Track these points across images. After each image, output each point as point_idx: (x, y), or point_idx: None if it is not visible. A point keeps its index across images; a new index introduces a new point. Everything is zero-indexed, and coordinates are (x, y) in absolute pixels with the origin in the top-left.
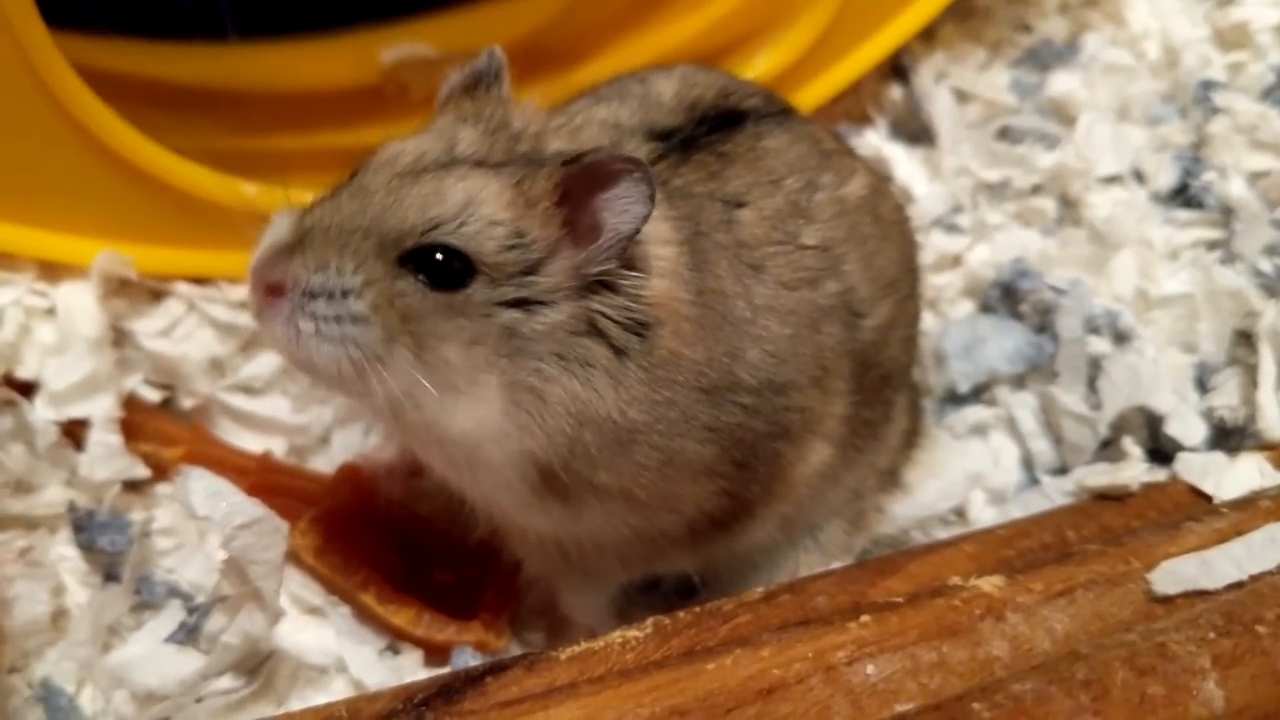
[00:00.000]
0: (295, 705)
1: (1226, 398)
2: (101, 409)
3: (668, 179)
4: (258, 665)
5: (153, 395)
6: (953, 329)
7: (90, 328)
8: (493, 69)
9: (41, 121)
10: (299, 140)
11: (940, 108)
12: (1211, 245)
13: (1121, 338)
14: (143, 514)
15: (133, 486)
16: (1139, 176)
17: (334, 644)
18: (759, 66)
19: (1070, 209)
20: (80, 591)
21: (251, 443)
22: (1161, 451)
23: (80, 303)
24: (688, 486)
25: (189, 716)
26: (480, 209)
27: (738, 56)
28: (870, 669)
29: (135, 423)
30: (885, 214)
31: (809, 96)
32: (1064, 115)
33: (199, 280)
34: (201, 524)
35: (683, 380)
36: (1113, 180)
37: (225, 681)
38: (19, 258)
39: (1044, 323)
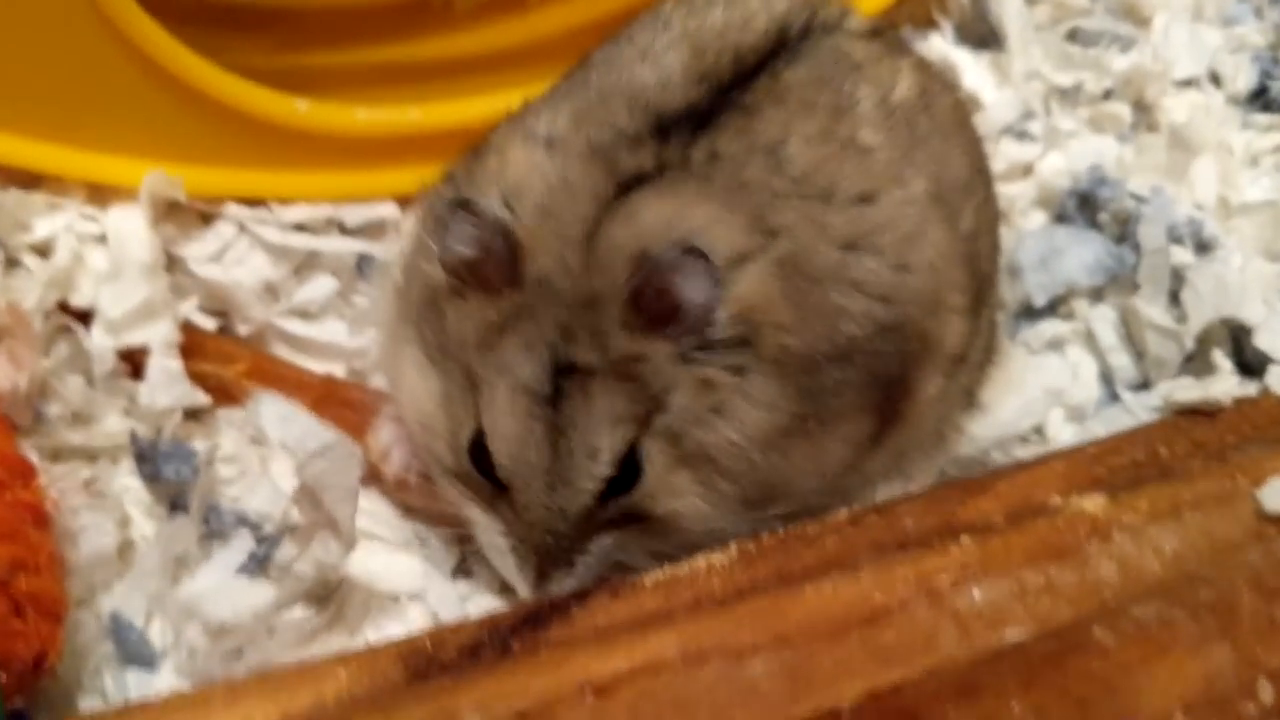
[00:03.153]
0: (370, 635)
1: None
2: (160, 335)
3: (693, 155)
4: (329, 594)
5: (208, 323)
6: (1028, 240)
7: (143, 252)
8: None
9: (86, 36)
10: (342, 55)
11: (1009, 9)
12: None
13: (1204, 247)
14: (205, 442)
15: (194, 415)
16: (1216, 79)
17: (407, 570)
18: None
19: (1145, 114)
20: (146, 523)
21: (310, 367)
22: (1248, 364)
23: (131, 227)
24: (840, 435)
25: (262, 648)
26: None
27: None
28: (976, 593)
29: (193, 344)
30: (940, 113)
31: (870, 1)
32: (1137, 16)
33: (250, 202)
34: (265, 451)
35: (802, 363)
36: (1189, 83)
37: (298, 611)
38: (67, 181)
39: (1124, 233)
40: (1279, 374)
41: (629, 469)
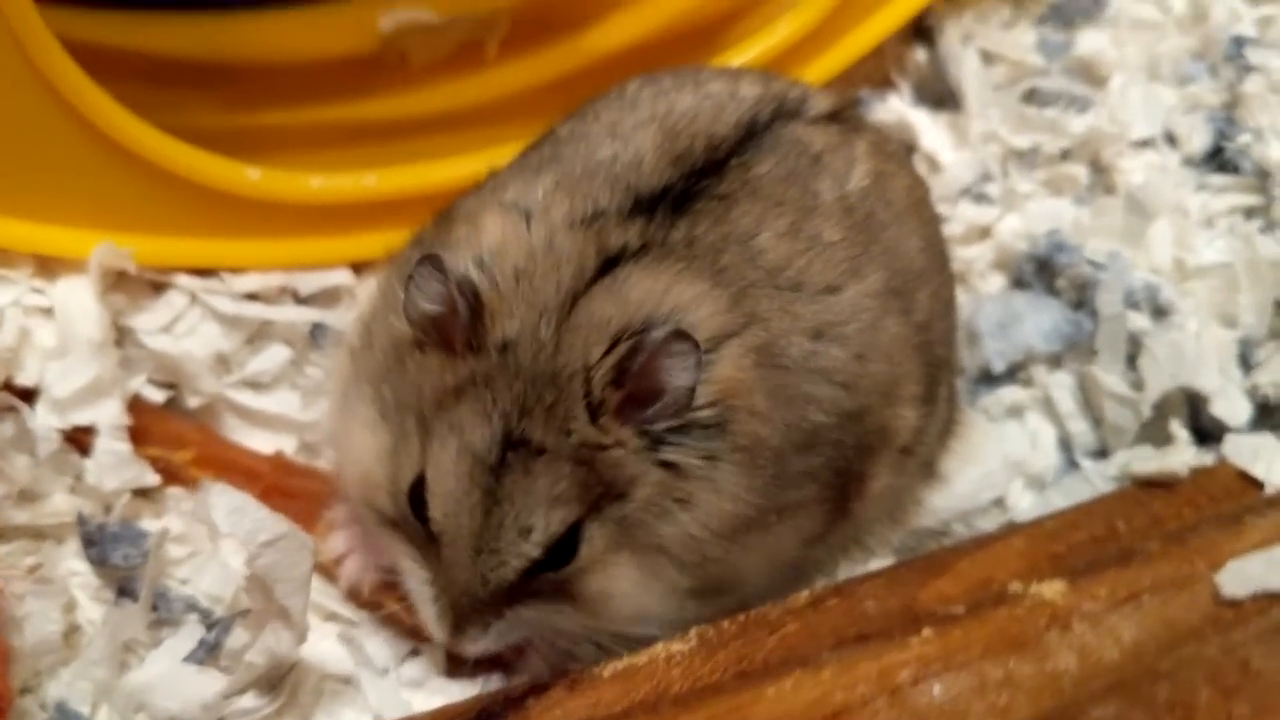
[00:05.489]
0: None
1: (1271, 374)
2: (107, 415)
3: (672, 236)
4: (280, 680)
5: (157, 395)
6: (987, 305)
7: (91, 329)
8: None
9: (30, 106)
10: (294, 115)
11: (966, 70)
12: (1249, 212)
13: (1161, 312)
14: (155, 521)
15: (143, 493)
16: (1171, 140)
17: (358, 654)
18: (779, 32)
19: (1102, 175)
20: (93, 607)
21: (261, 440)
22: (1205, 431)
23: (79, 301)
24: (794, 528)
25: None
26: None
27: (755, 20)
28: (936, 689)
29: (141, 426)
30: (895, 197)
31: (829, 62)
32: (1093, 76)
33: (201, 271)
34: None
35: (771, 452)
36: (1145, 144)
37: (248, 700)
38: (14, 253)
39: (1081, 298)
40: (1234, 443)
41: (565, 546)
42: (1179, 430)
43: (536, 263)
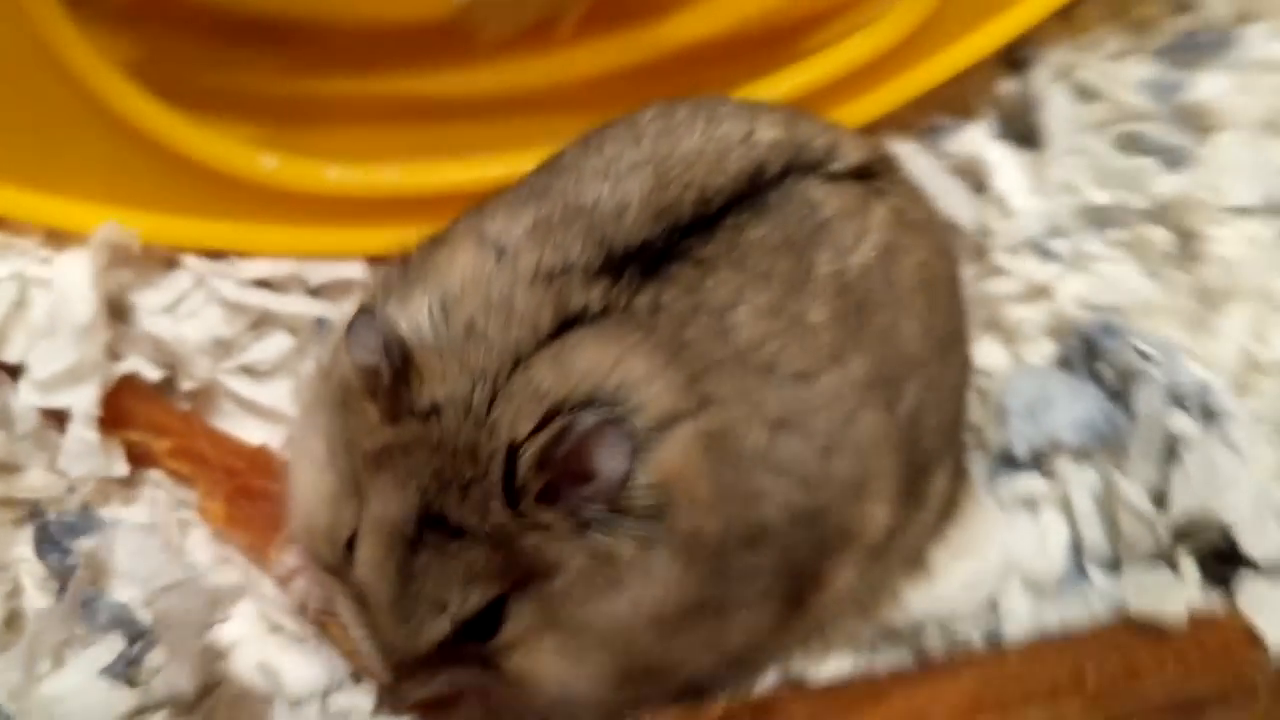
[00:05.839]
0: None
1: None
2: (83, 401)
3: (636, 301)
4: (198, 701)
5: (153, 374)
6: (1019, 381)
7: (82, 310)
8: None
9: (41, 80)
10: (357, 84)
11: (1054, 107)
12: None
13: (1210, 415)
14: (124, 508)
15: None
16: (1277, 210)
17: (290, 676)
18: (859, 46)
19: (1186, 242)
20: (39, 598)
21: (253, 429)
22: (1225, 555)
23: (76, 278)
24: (740, 622)
25: None
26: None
27: (838, 28)
28: None
29: (128, 408)
30: (901, 277)
31: (908, 85)
32: (1201, 125)
33: (210, 253)
34: (187, 515)
35: (713, 544)
36: (1243, 212)
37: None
38: (22, 224)
39: (1123, 389)
40: (1250, 589)
41: (488, 619)
42: (1188, 564)
43: (490, 317)
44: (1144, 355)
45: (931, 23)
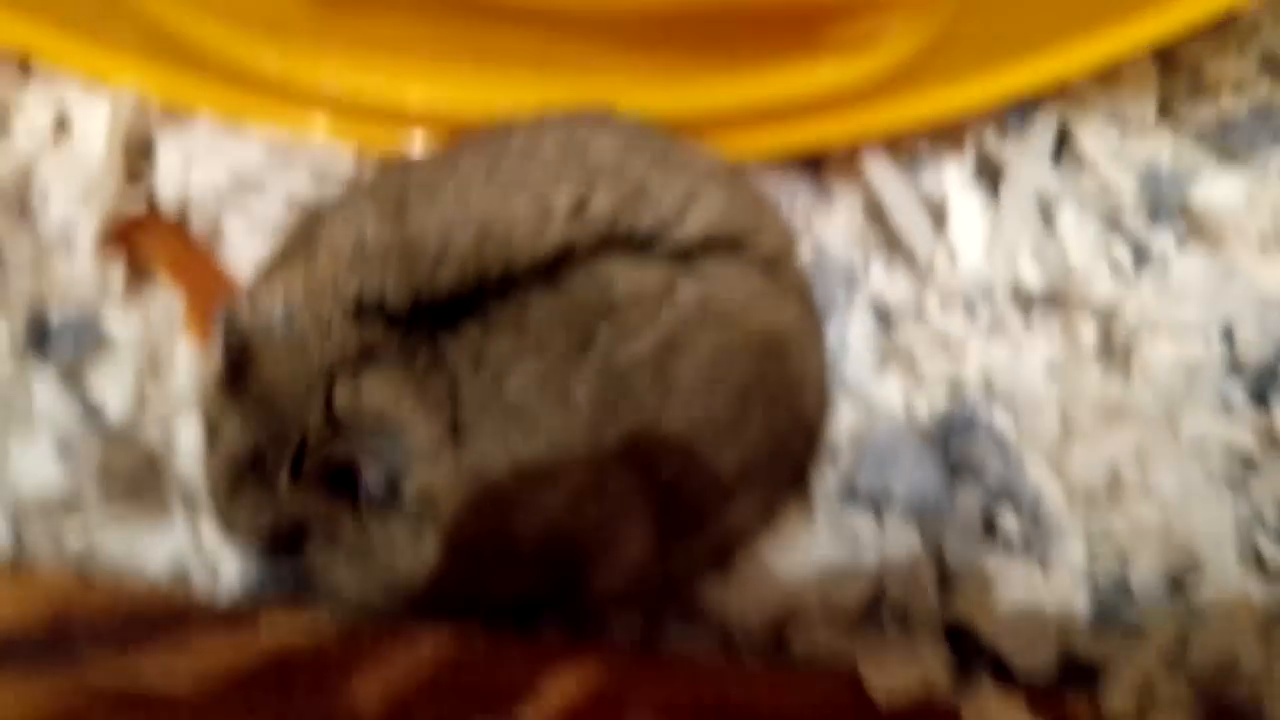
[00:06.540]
0: None
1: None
2: (90, 225)
3: (422, 355)
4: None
5: (166, 207)
6: (880, 435)
7: (101, 146)
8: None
9: None
10: None
11: (1025, 169)
12: None
13: (1039, 529)
14: (122, 318)
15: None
16: (1229, 339)
17: None
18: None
19: (1116, 356)
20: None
21: (243, 277)
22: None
23: (100, 118)
24: (497, 587)
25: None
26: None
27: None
28: None
29: (142, 226)
30: (684, 370)
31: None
32: (1197, 232)
33: (225, 118)
34: (160, 342)
35: (470, 544)
36: (1187, 332)
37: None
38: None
39: (965, 470)
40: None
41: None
42: (940, 654)
43: (315, 332)
44: (997, 447)
45: (938, 54)
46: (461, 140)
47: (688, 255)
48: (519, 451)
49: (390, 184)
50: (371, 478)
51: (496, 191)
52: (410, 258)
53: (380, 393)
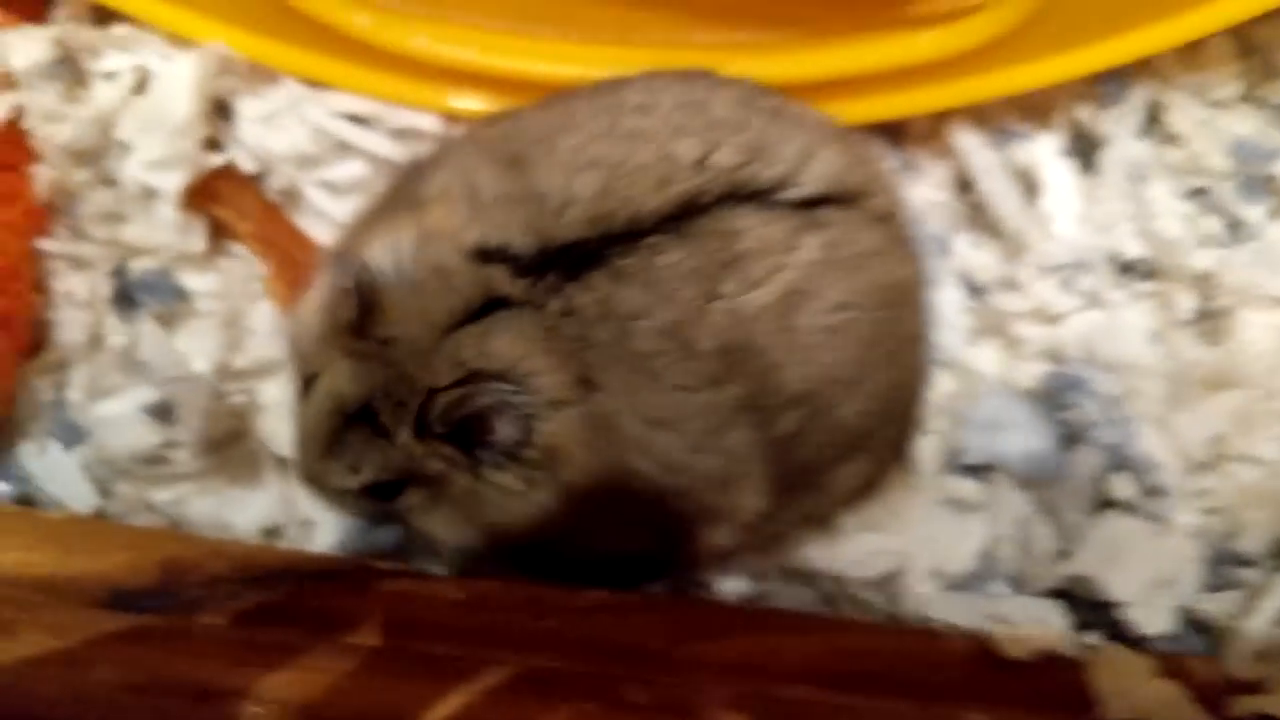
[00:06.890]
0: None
1: (1218, 603)
2: (172, 183)
3: (551, 303)
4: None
5: (249, 166)
6: (986, 402)
7: (184, 106)
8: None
9: None
10: None
11: (1121, 144)
12: None
13: (1153, 493)
14: (199, 276)
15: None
16: None
17: None
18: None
19: (1212, 322)
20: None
21: (323, 235)
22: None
23: (184, 78)
24: (605, 543)
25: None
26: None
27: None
28: None
29: (222, 189)
30: (803, 323)
31: (993, 84)
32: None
33: (306, 81)
34: (240, 303)
35: (585, 495)
36: None
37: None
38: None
39: (1073, 439)
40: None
41: (390, 489)
42: (1057, 617)
43: (436, 279)
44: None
45: (1033, 26)
46: (557, 98)
47: (811, 207)
48: (645, 401)
49: (498, 136)
50: (503, 429)
51: (619, 143)
52: (533, 206)
53: (511, 343)
